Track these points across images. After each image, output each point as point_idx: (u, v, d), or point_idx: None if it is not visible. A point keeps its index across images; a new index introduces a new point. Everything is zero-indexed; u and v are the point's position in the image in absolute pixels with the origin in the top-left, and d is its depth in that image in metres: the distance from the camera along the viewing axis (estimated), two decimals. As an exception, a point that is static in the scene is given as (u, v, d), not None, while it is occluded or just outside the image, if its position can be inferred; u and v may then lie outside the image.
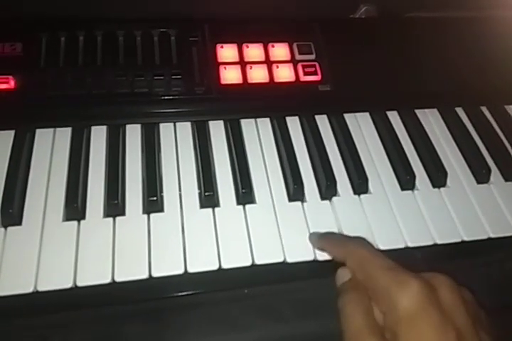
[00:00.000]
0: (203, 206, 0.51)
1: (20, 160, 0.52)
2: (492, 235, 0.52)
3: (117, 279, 0.44)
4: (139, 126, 0.57)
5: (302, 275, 0.49)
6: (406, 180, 0.55)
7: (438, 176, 0.56)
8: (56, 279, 0.44)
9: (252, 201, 0.52)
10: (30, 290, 0.43)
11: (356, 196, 0.53)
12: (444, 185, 0.56)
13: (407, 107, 0.63)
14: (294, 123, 0.59)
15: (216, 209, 0.50)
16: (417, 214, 0.52)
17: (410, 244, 0.50)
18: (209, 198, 0.51)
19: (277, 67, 0.60)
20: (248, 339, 0.46)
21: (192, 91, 0.58)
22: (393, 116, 0.62)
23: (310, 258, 0.48)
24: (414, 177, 0.55)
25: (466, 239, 0.51)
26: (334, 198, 0.53)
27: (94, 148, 0.54)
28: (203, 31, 0.62)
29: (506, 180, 0.57)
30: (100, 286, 0.44)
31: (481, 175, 0.57)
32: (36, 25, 0.59)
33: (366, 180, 0.54)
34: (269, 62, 0.61)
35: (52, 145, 0.54)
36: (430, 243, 0.50)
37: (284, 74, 0.60)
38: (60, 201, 0.49)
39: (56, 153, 0.53)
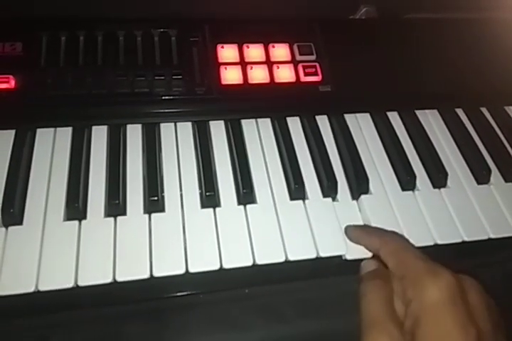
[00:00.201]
0: (204, 206, 0.51)
1: (21, 159, 0.51)
2: (492, 236, 0.52)
3: (118, 279, 0.44)
4: (139, 126, 0.57)
5: (303, 275, 0.49)
6: (406, 181, 0.55)
7: (438, 177, 0.56)
8: (57, 279, 0.44)
9: (253, 201, 0.52)
10: (32, 289, 0.43)
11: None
12: (444, 185, 0.56)
13: (407, 108, 0.63)
14: (294, 124, 0.60)
15: (217, 209, 0.50)
16: (418, 214, 0.52)
17: (411, 244, 0.50)
18: (210, 198, 0.51)
19: (278, 67, 0.60)
20: (249, 339, 0.46)
21: (192, 91, 0.58)
22: (394, 117, 0.62)
23: (312, 256, 0.48)
24: (414, 177, 0.55)
25: (466, 239, 0.51)
26: (335, 198, 0.53)
27: (94, 148, 0.54)
28: (204, 31, 0.62)
29: (506, 180, 0.57)
30: (101, 286, 0.44)
31: (481, 176, 0.57)
32: (36, 24, 0.59)
33: (367, 180, 0.54)
34: (269, 63, 0.61)
35: (52, 145, 0.54)
36: (431, 243, 0.50)
37: (285, 74, 0.60)
38: (60, 201, 0.49)
39: (57, 152, 0.53)
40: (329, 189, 0.53)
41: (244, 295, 0.48)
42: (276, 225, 0.50)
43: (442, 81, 0.64)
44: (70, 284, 0.44)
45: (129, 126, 0.57)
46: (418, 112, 0.63)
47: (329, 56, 0.62)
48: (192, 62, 0.60)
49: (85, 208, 0.49)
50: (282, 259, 0.47)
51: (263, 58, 0.61)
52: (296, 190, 0.52)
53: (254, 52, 0.61)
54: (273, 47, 0.62)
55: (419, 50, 0.66)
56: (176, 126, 0.57)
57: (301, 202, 0.52)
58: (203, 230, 0.48)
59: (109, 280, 0.44)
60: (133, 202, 0.50)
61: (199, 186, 0.52)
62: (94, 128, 0.56)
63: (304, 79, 0.60)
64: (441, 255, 0.51)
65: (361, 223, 0.51)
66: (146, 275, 0.45)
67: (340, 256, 0.49)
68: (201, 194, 0.51)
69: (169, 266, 0.46)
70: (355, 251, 0.48)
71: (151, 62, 0.59)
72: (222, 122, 0.58)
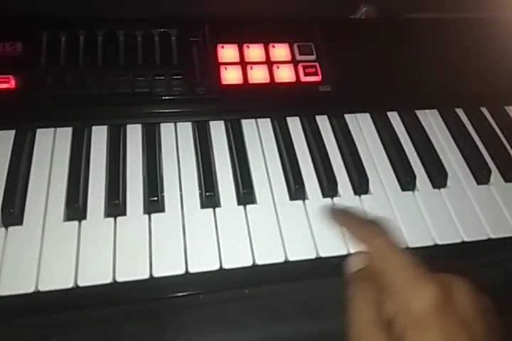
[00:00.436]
0: (203, 206, 0.51)
1: (21, 160, 0.52)
2: (492, 236, 0.52)
3: (118, 279, 0.44)
4: (139, 126, 0.57)
5: (303, 276, 0.49)
6: (406, 181, 0.55)
7: (438, 177, 0.56)
8: (57, 279, 0.44)
9: (252, 201, 0.52)
10: (32, 290, 0.43)
11: (357, 196, 0.54)
12: (444, 185, 0.56)
13: (407, 108, 0.63)
14: (294, 124, 0.60)
15: (217, 209, 0.50)
16: (418, 214, 0.53)
17: (411, 245, 0.50)
18: (210, 198, 0.51)
19: (278, 67, 0.60)
20: (248, 339, 0.46)
21: (192, 91, 0.58)
22: (393, 117, 0.62)
23: (312, 257, 0.48)
24: (414, 177, 0.55)
25: (466, 239, 0.51)
26: (335, 198, 0.53)
27: (94, 148, 0.54)
28: (204, 31, 0.62)
29: (506, 180, 0.57)
30: (101, 286, 0.44)
31: (481, 176, 0.57)
32: (37, 24, 0.59)
33: (367, 180, 0.54)
34: (269, 63, 0.61)
35: (52, 145, 0.54)
36: (430, 243, 0.51)
37: (285, 74, 0.60)
38: (60, 201, 0.49)
39: (57, 152, 0.53)
40: (329, 189, 0.53)
41: (243, 295, 0.48)
42: (276, 225, 0.50)
43: (442, 81, 0.64)
44: (70, 284, 0.44)
45: (129, 126, 0.57)
46: (418, 112, 0.63)
47: (329, 56, 0.62)
48: (192, 62, 0.60)
49: (85, 208, 0.49)
50: (282, 259, 0.47)
51: (263, 58, 0.61)
52: (296, 190, 0.52)
53: (255, 52, 0.61)
54: (273, 47, 0.62)
55: (419, 49, 0.66)
56: (175, 126, 0.58)
57: (301, 202, 0.52)
58: (203, 230, 0.49)
59: (109, 280, 0.44)
60: (133, 203, 0.50)
61: (199, 186, 0.52)
62: (94, 128, 0.56)
63: (304, 79, 0.60)
64: (441, 255, 0.51)
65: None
66: (145, 276, 0.45)
67: (339, 256, 0.48)
68: (201, 194, 0.51)
69: (169, 267, 0.46)
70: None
71: (151, 62, 0.59)
72: (222, 122, 0.59)
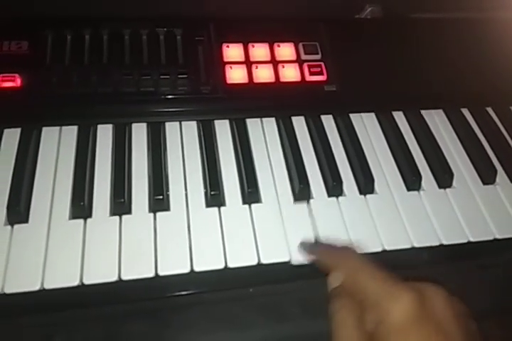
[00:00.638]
0: (208, 205, 0.51)
1: (27, 158, 0.52)
2: (498, 236, 0.52)
3: (123, 277, 0.44)
4: (144, 124, 0.57)
5: (308, 275, 0.48)
6: (412, 181, 0.55)
7: (444, 177, 0.56)
8: (62, 277, 0.44)
9: (257, 200, 0.52)
10: (37, 288, 0.43)
11: (362, 196, 0.53)
12: (450, 185, 0.56)
13: (412, 108, 0.63)
14: (299, 123, 0.59)
15: (222, 208, 0.50)
16: (423, 214, 0.52)
17: (416, 245, 0.50)
18: (215, 197, 0.51)
19: (283, 66, 0.60)
20: (252, 338, 0.46)
21: (198, 90, 0.58)
22: (399, 117, 0.62)
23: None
24: (420, 177, 0.55)
25: (472, 239, 0.51)
26: (340, 198, 0.53)
27: (100, 147, 0.54)
28: (209, 31, 0.62)
29: (512, 181, 0.57)
30: (106, 284, 0.44)
31: (487, 176, 0.57)
32: (42, 23, 0.59)
33: (372, 180, 0.54)
34: (274, 62, 0.61)
35: (58, 144, 0.54)
36: (436, 243, 0.50)
37: (290, 74, 0.60)
38: (66, 199, 0.49)
39: (62, 151, 0.53)
40: (334, 189, 0.53)
41: (248, 294, 0.48)
42: (280, 224, 0.50)
43: (448, 81, 0.64)
44: (76, 282, 0.44)
45: (134, 125, 0.57)
46: (424, 112, 0.63)
47: (334, 55, 0.62)
48: (197, 62, 0.60)
49: (90, 207, 0.49)
50: (287, 258, 0.47)
51: (268, 57, 0.61)
52: (301, 190, 0.52)
53: (260, 51, 0.61)
54: (278, 46, 0.62)
55: (424, 49, 0.65)
56: (181, 125, 0.58)
57: (305, 201, 0.52)
58: (208, 229, 0.49)
59: (114, 278, 0.44)
60: (138, 201, 0.50)
61: (204, 185, 0.52)
62: (99, 126, 0.56)
63: (309, 78, 0.60)
64: (447, 255, 0.51)
65: (367, 223, 0.51)
66: (151, 274, 0.45)
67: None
68: (206, 193, 0.51)
69: (174, 265, 0.46)
70: (364, 244, 0.48)
71: (156, 61, 0.59)
72: (227, 121, 0.58)
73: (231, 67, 0.59)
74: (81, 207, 0.48)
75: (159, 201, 0.50)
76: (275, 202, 0.52)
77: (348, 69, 0.62)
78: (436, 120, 0.63)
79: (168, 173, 0.53)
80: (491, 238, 0.52)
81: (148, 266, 0.45)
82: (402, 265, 0.45)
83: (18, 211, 0.47)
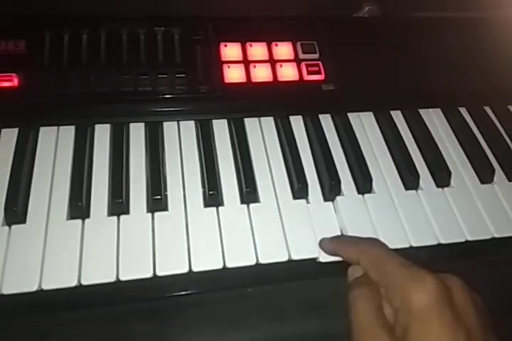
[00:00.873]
0: (207, 205, 0.51)
1: (24, 158, 0.51)
2: (496, 235, 0.52)
3: (122, 278, 0.44)
4: (142, 124, 0.57)
5: (306, 275, 0.49)
6: (410, 180, 0.55)
7: (442, 176, 0.56)
8: (61, 278, 0.44)
9: (255, 200, 0.52)
10: (35, 288, 0.43)
11: (360, 195, 0.53)
12: (447, 184, 0.56)
13: (410, 107, 0.63)
14: (297, 123, 0.59)
15: (220, 208, 0.50)
16: (421, 213, 0.52)
17: (414, 244, 0.50)
18: (213, 197, 0.51)
19: (281, 66, 0.60)
20: (251, 338, 0.46)
21: (196, 89, 0.58)
22: (397, 116, 0.62)
23: (315, 256, 0.48)
24: (418, 176, 0.55)
25: (470, 238, 0.51)
26: (338, 197, 0.53)
27: (98, 147, 0.54)
28: (207, 30, 0.62)
29: (510, 180, 0.57)
30: (104, 285, 0.44)
31: (485, 175, 0.57)
32: (40, 23, 0.59)
33: (370, 179, 0.54)
34: (272, 61, 0.61)
35: (56, 144, 0.54)
36: (434, 243, 0.50)
37: (288, 73, 0.60)
38: (64, 199, 0.49)
39: (60, 151, 0.53)
40: (332, 188, 0.53)
41: (247, 294, 0.48)
42: (279, 224, 0.50)
43: (446, 80, 0.64)
44: (73, 283, 0.44)
45: (132, 125, 0.57)
46: (421, 111, 0.63)
47: (332, 54, 0.62)
48: (195, 61, 0.59)
49: (88, 207, 0.49)
50: (285, 258, 0.47)
51: (266, 57, 0.61)
52: (299, 189, 0.52)
53: (258, 50, 0.61)
54: (276, 45, 0.61)
55: (422, 48, 0.65)
56: (178, 124, 0.57)
57: (304, 201, 0.52)
58: (206, 229, 0.48)
59: (113, 279, 0.44)
60: (136, 201, 0.50)
61: (202, 185, 0.52)
62: (97, 126, 0.56)
63: (307, 77, 0.60)
64: (445, 254, 0.51)
65: (365, 222, 0.51)
66: (149, 275, 0.45)
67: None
68: (204, 193, 0.51)
69: (172, 265, 0.46)
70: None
71: (154, 61, 0.58)
72: (225, 121, 0.58)
73: (229, 67, 0.59)
74: (79, 207, 0.48)
75: (157, 201, 0.50)
76: (273, 202, 0.52)
77: (346, 69, 0.62)
78: (434, 119, 0.63)
79: (166, 173, 0.53)
80: (489, 237, 0.52)
81: (146, 267, 0.45)
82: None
83: (16, 211, 0.47)
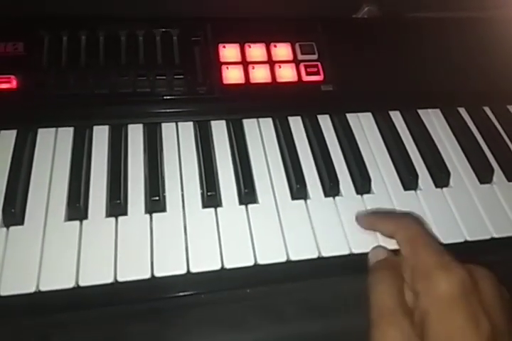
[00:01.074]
0: (205, 206, 0.51)
1: (23, 159, 0.51)
2: (495, 235, 0.51)
3: (119, 279, 0.44)
4: (141, 125, 0.57)
5: (305, 275, 0.48)
6: (409, 180, 0.55)
7: (441, 176, 0.55)
8: (58, 279, 0.44)
9: (254, 201, 0.52)
10: (33, 290, 0.43)
11: (359, 196, 0.53)
12: (446, 185, 0.55)
13: (409, 107, 0.63)
14: (296, 123, 0.59)
15: (218, 209, 0.50)
16: (420, 214, 0.52)
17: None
18: (211, 198, 0.51)
19: (280, 67, 0.60)
20: (250, 339, 0.46)
21: (194, 91, 0.58)
22: (396, 116, 0.62)
23: (314, 256, 0.48)
24: (417, 177, 0.55)
25: (469, 239, 0.51)
26: (337, 198, 0.53)
27: (96, 148, 0.54)
28: (205, 31, 0.62)
29: (509, 180, 0.57)
30: (102, 286, 0.44)
31: (484, 175, 0.57)
32: (38, 24, 0.59)
33: (369, 180, 0.54)
34: (271, 62, 0.60)
35: (54, 145, 0.54)
36: (433, 243, 0.50)
37: (287, 74, 0.60)
38: (62, 201, 0.49)
39: (58, 152, 0.53)
40: (331, 189, 0.53)
41: (245, 295, 0.48)
42: (277, 225, 0.50)
43: (445, 80, 0.64)
44: (71, 284, 0.44)
45: (130, 126, 0.56)
46: (420, 111, 0.63)
47: (331, 55, 0.62)
48: (193, 62, 0.60)
49: (86, 208, 0.49)
50: (284, 259, 0.47)
51: (265, 58, 0.61)
52: (298, 190, 0.52)
53: (256, 51, 0.61)
54: (275, 46, 0.61)
55: (421, 49, 0.65)
56: (177, 125, 0.57)
57: (302, 201, 0.52)
58: (204, 230, 0.48)
59: (111, 280, 0.44)
60: (134, 202, 0.50)
61: (200, 186, 0.52)
62: (95, 128, 0.56)
63: (305, 78, 0.60)
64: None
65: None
66: (147, 276, 0.45)
67: (341, 256, 0.48)
68: (202, 194, 0.51)
69: (170, 266, 0.46)
70: (361, 245, 0.48)
71: (152, 62, 0.58)
72: (223, 122, 0.58)
73: (227, 68, 0.59)
74: (77, 208, 0.48)
75: (155, 202, 0.50)
76: (272, 203, 0.51)
77: (344, 69, 0.62)
78: (433, 119, 0.62)
79: (164, 174, 0.52)
80: (489, 237, 0.51)
81: (144, 268, 0.45)
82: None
83: (14, 213, 0.47)
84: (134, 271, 0.45)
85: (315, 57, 0.62)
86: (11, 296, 0.43)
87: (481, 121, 0.63)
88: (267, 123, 0.59)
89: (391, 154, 0.58)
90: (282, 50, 0.62)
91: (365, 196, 0.53)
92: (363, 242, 0.49)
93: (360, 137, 0.59)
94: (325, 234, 0.49)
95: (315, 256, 0.48)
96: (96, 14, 0.61)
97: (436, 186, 0.55)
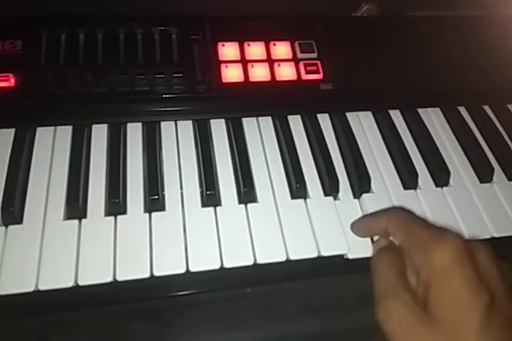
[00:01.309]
0: (204, 205, 0.50)
1: (21, 158, 0.51)
2: (495, 234, 0.51)
3: (119, 278, 0.44)
4: (140, 124, 0.56)
5: (304, 275, 0.48)
6: (409, 179, 0.55)
7: (441, 175, 0.55)
8: (57, 278, 0.43)
9: (253, 200, 0.51)
10: (32, 289, 0.43)
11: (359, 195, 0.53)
12: (446, 184, 0.55)
13: (409, 106, 0.63)
14: (295, 122, 0.59)
15: (218, 208, 0.50)
16: (420, 213, 0.52)
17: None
18: (210, 197, 0.50)
19: (279, 65, 0.60)
20: (249, 338, 0.46)
21: (193, 89, 0.57)
22: (395, 115, 0.62)
23: (313, 255, 0.48)
24: (417, 176, 0.55)
25: (469, 238, 0.51)
26: (337, 197, 0.52)
27: (95, 147, 0.54)
28: (205, 29, 0.61)
29: (509, 179, 0.57)
30: (102, 285, 0.44)
31: (484, 175, 0.56)
32: (36, 22, 0.58)
33: (369, 179, 0.54)
34: (270, 61, 0.60)
35: (52, 144, 0.53)
36: (433, 242, 0.50)
37: (286, 72, 0.60)
38: (61, 200, 0.49)
39: (57, 151, 0.53)
40: (331, 188, 0.53)
41: (245, 294, 0.48)
42: (277, 224, 0.49)
43: (444, 79, 0.63)
44: (70, 283, 0.43)
45: (129, 125, 0.56)
46: (420, 110, 0.63)
47: (331, 54, 0.62)
48: (192, 60, 0.59)
49: (85, 207, 0.49)
50: (283, 258, 0.47)
51: (264, 56, 0.60)
52: (298, 189, 0.52)
53: (255, 50, 0.61)
54: (274, 45, 0.61)
55: (421, 48, 0.65)
56: (176, 124, 0.57)
57: (302, 200, 0.52)
58: (204, 229, 0.48)
59: (110, 279, 0.44)
60: (133, 201, 0.50)
61: (200, 185, 0.52)
62: (94, 126, 0.56)
63: (305, 77, 0.60)
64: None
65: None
66: (146, 275, 0.45)
67: (341, 256, 0.48)
68: (202, 193, 0.51)
69: (170, 266, 0.45)
70: (357, 250, 0.48)
71: (151, 60, 0.58)
72: (223, 120, 0.58)
73: (227, 66, 0.59)
74: (76, 207, 0.48)
75: (155, 201, 0.49)
76: (271, 202, 0.51)
77: (344, 68, 0.62)
78: (433, 118, 0.62)
79: (163, 173, 0.52)
80: (489, 236, 0.51)
81: (143, 267, 0.45)
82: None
83: (12, 212, 0.47)
84: (133, 270, 0.45)
85: (314, 55, 0.62)
86: (9, 295, 0.42)
87: (481, 120, 0.63)
88: (267, 122, 0.59)
89: (391, 153, 0.58)
90: (282, 49, 0.61)
91: (365, 195, 0.53)
92: (363, 243, 0.49)
93: (359, 136, 0.58)
94: (324, 233, 0.49)
95: (314, 255, 0.48)
96: (94, 12, 0.60)
97: (436, 185, 0.55)
